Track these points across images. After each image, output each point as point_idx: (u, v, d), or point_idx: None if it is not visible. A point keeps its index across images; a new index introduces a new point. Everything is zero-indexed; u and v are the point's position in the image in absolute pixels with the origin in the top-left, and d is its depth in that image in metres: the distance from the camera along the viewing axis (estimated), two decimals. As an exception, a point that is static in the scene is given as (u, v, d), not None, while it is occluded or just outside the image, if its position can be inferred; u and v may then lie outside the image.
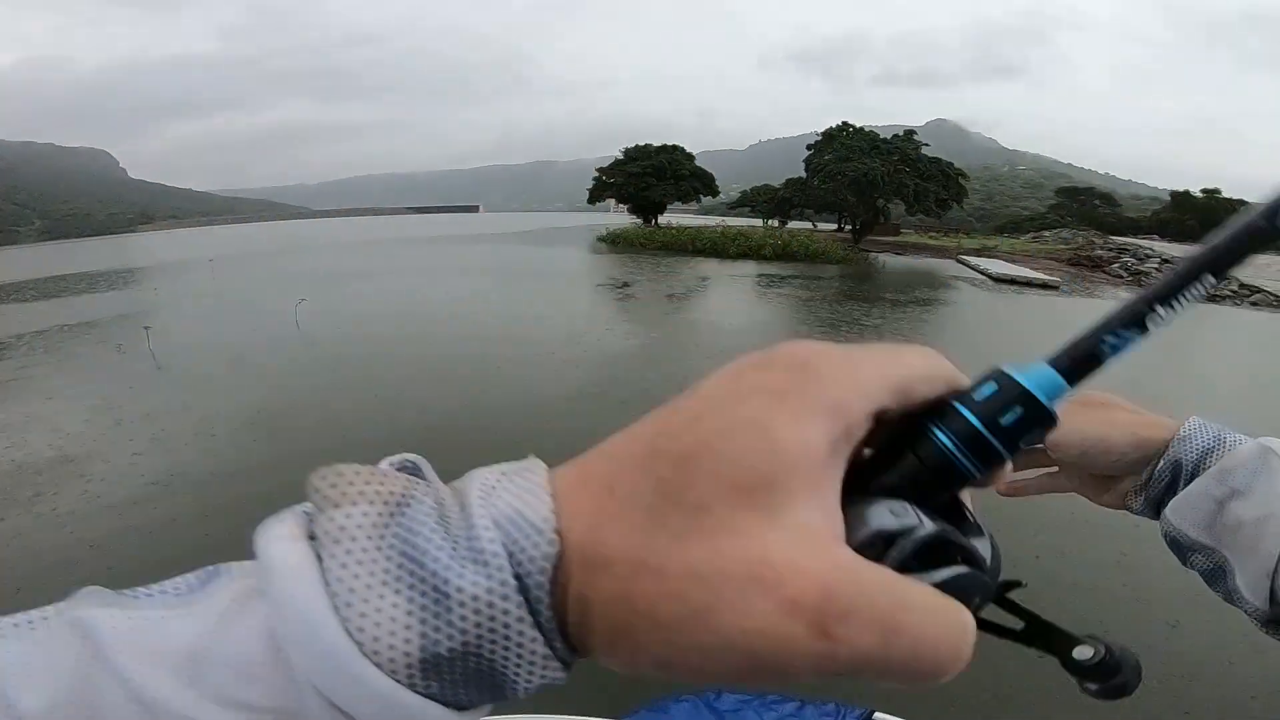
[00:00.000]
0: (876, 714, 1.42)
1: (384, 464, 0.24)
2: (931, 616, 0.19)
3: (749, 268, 21.66)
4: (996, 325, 12.86)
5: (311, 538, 0.20)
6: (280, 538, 0.20)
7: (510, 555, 0.19)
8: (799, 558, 0.18)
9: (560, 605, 0.19)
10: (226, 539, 4.01)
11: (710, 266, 21.73)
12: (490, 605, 0.18)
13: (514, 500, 0.21)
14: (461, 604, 0.18)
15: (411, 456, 0.25)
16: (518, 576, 0.19)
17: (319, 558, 0.19)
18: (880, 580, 0.19)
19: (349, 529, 0.19)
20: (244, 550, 0.20)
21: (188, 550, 3.94)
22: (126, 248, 47.20)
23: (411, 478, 0.22)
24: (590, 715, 1.33)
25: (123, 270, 25.58)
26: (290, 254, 28.38)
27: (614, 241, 31.30)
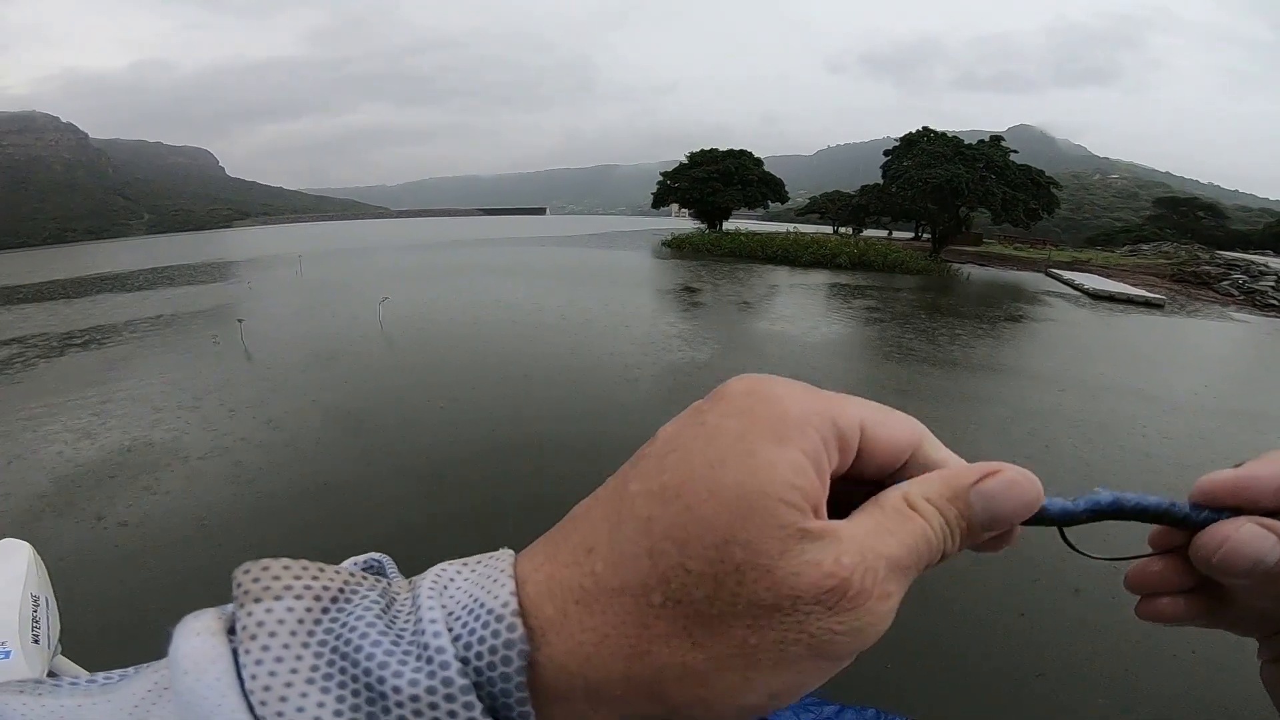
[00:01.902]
0: None
1: (348, 563, 0.22)
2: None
3: (822, 277, 20.95)
4: (1105, 347, 11.84)
5: (232, 633, 0.18)
6: (195, 632, 0.18)
7: (466, 648, 0.18)
8: (854, 578, 0.19)
9: (546, 694, 0.18)
10: (303, 534, 4.07)
11: (781, 275, 21.16)
12: (434, 706, 0.17)
13: (471, 589, 0.19)
14: (400, 704, 0.17)
15: (377, 556, 0.24)
16: (477, 670, 0.18)
17: (236, 654, 0.17)
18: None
19: (268, 624, 0.17)
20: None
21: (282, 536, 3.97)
22: (224, 242, 50.55)
23: (356, 573, 0.20)
24: None
25: (220, 263, 27.29)
26: (373, 252, 29.59)
27: (679, 246, 31.05)
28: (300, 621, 0.18)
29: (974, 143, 28.26)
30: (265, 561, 0.19)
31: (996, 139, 28.56)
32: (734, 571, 0.18)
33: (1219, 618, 0.25)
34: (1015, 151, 27.81)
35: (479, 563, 0.21)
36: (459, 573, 0.21)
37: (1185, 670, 3.07)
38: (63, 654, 0.80)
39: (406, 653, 0.17)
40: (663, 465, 0.20)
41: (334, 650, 0.17)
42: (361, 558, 0.23)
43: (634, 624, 0.18)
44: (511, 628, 0.18)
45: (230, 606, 0.19)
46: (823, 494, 0.20)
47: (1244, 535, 0.21)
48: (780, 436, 0.20)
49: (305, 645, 0.17)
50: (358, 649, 0.17)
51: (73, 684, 0.20)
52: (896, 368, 8.99)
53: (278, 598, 0.18)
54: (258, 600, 0.18)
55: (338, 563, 0.23)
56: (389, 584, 0.20)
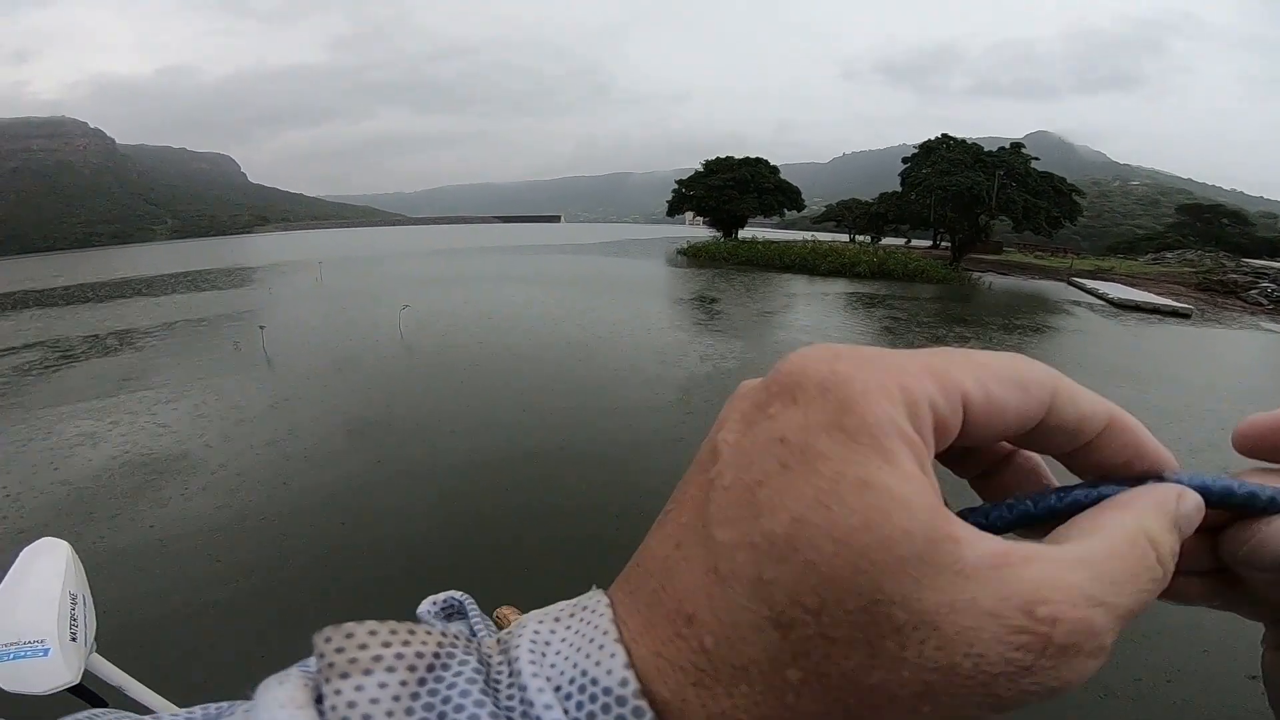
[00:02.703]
0: None
1: (426, 604, 0.21)
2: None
3: (842, 286, 20.76)
4: (1135, 360, 11.57)
5: (320, 702, 0.15)
6: (280, 704, 0.15)
7: None
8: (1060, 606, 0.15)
9: None
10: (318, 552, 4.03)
11: (800, 284, 21.00)
12: None
13: (575, 655, 0.17)
14: None
15: (457, 595, 0.22)
16: None
17: None
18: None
19: (361, 704, 0.15)
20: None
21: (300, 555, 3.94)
22: (245, 248, 51.36)
23: (449, 634, 0.18)
24: None
25: (241, 269, 27.66)
26: (392, 259, 29.85)
27: (695, 255, 30.97)
28: (396, 699, 0.15)
29: (994, 150, 27.95)
30: (349, 627, 0.16)
31: (1017, 146, 28.23)
32: (894, 634, 0.15)
33: (1230, 601, 0.23)
34: (1037, 159, 27.44)
35: (573, 616, 0.18)
36: (553, 630, 0.18)
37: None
38: (98, 652, 0.81)
39: None
40: (754, 505, 0.16)
41: None
42: (441, 597, 0.22)
43: (772, 705, 0.15)
44: (638, 712, 0.15)
45: (312, 663, 0.17)
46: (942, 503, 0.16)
47: (1273, 531, 0.19)
48: (885, 450, 0.16)
49: None
50: None
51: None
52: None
53: (368, 671, 0.16)
54: (345, 676, 0.15)
55: (414, 598, 0.21)
56: (480, 643, 0.18)
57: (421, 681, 0.16)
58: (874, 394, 0.16)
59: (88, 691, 0.74)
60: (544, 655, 0.17)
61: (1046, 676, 0.15)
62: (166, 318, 14.09)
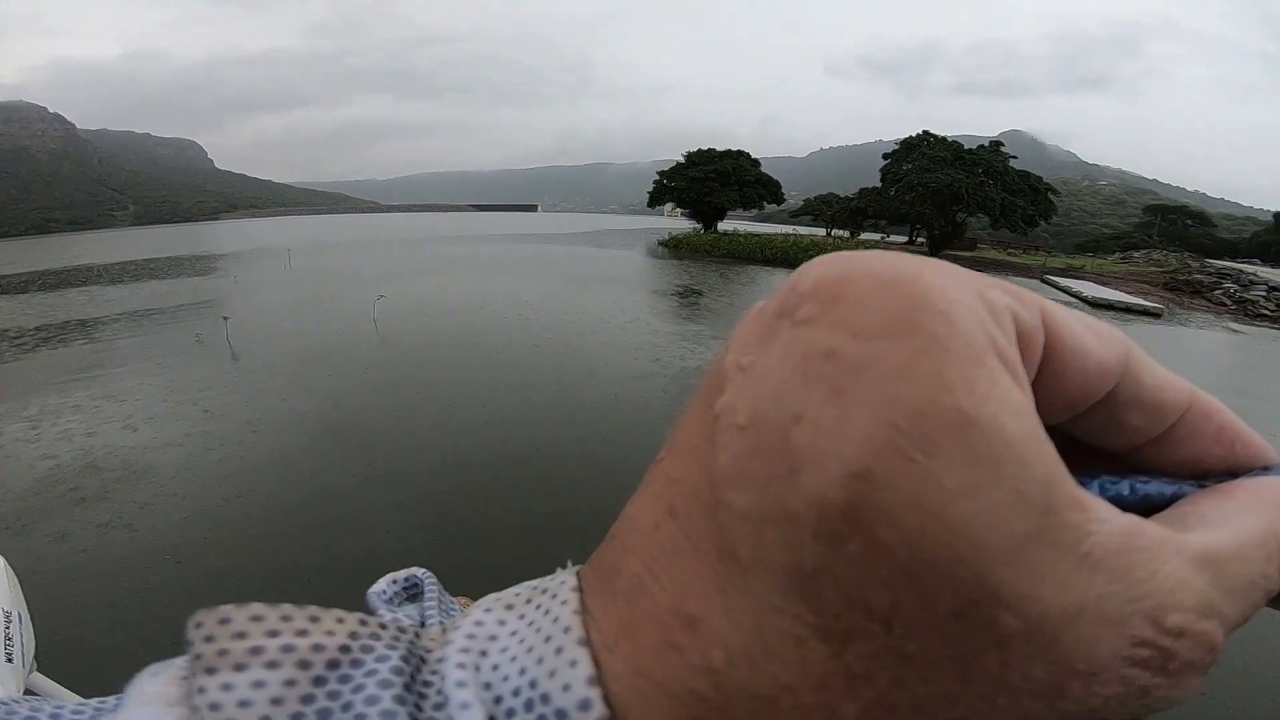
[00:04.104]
0: None
1: (383, 582, 0.17)
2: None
3: (822, 280, 20.71)
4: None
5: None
6: (146, 700, 0.12)
7: None
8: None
9: None
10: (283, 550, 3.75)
11: (782, 277, 20.82)
12: None
13: (525, 658, 0.12)
14: None
15: (419, 573, 0.17)
16: None
17: None
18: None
19: (226, 707, 0.11)
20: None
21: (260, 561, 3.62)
22: (209, 235, 49.73)
23: (367, 622, 0.13)
24: None
25: (206, 256, 26.68)
26: (363, 246, 29.06)
27: (675, 246, 30.79)
28: (276, 702, 0.11)
29: (973, 148, 28.23)
30: (225, 610, 0.12)
31: (996, 144, 28.56)
32: (996, 648, 0.10)
33: None
34: (1015, 157, 27.80)
35: (530, 603, 0.13)
36: (503, 621, 0.13)
37: None
38: (39, 670, 0.75)
39: None
40: (789, 454, 0.11)
41: None
42: (403, 574, 0.17)
43: None
44: None
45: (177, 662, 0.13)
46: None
47: None
48: (987, 369, 0.11)
49: None
50: None
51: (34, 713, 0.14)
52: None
53: (240, 666, 0.12)
54: (211, 671, 0.12)
55: (373, 577, 0.16)
56: (416, 635, 0.14)
57: (318, 681, 0.12)
58: (959, 291, 0.12)
59: None
60: (485, 655, 0.12)
61: (1157, 700, 0.11)
62: (122, 307, 13.41)
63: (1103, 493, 0.14)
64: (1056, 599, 0.10)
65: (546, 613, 0.13)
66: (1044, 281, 25.74)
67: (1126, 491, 0.14)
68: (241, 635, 0.12)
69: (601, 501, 4.71)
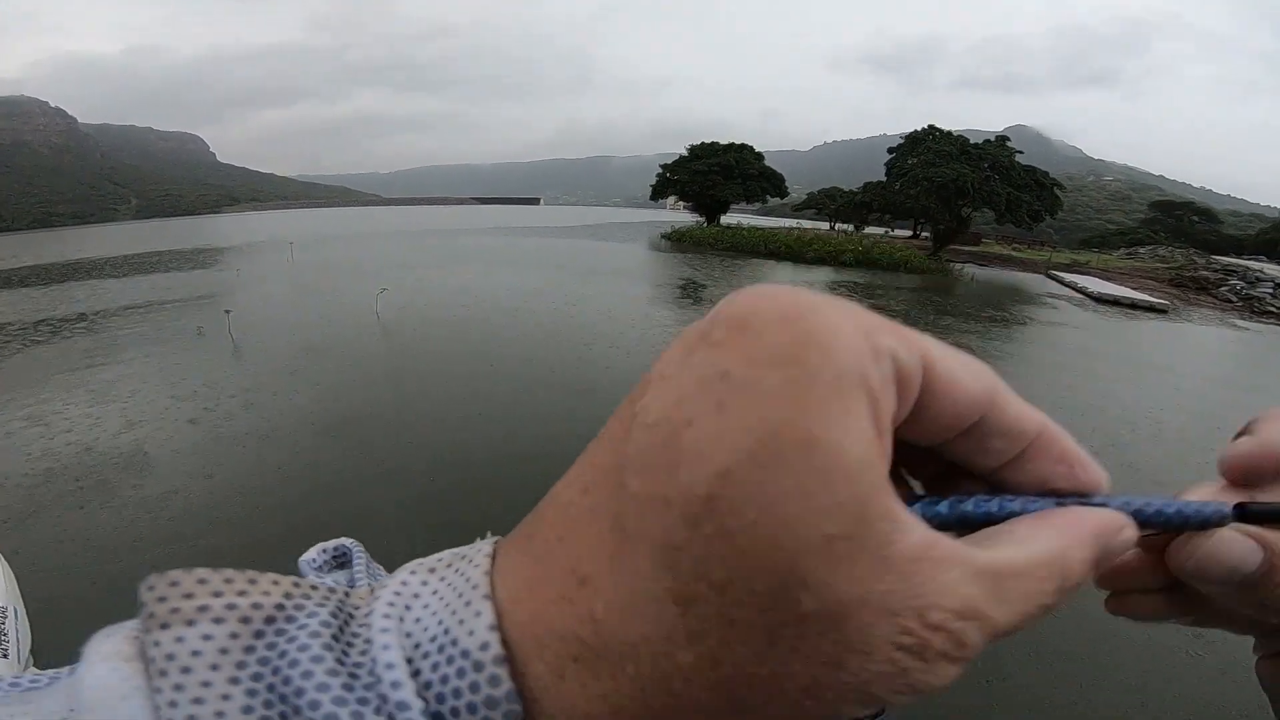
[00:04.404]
0: None
1: (313, 551, 0.20)
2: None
3: (827, 274, 20.63)
4: (1123, 355, 11.56)
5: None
6: (103, 657, 0.14)
7: (438, 699, 0.14)
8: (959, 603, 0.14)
9: None
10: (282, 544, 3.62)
11: (786, 271, 20.84)
12: None
13: (442, 612, 0.15)
14: None
15: (346, 542, 0.20)
16: None
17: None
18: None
19: (180, 656, 0.13)
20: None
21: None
22: (211, 228, 49.66)
23: (302, 583, 0.16)
24: None
25: (208, 249, 26.62)
26: (365, 239, 28.97)
27: (678, 240, 30.66)
28: (223, 652, 0.14)
29: (980, 142, 28.00)
30: (174, 574, 0.15)
31: (1002, 139, 28.32)
32: (795, 623, 0.13)
33: (1204, 616, 0.21)
34: (1021, 152, 27.57)
35: (450, 566, 0.16)
36: (425, 582, 0.16)
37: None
38: (35, 666, 0.62)
39: (362, 701, 0.13)
40: (677, 451, 0.13)
41: (270, 689, 0.14)
42: (331, 544, 0.20)
43: (657, 692, 0.13)
44: (494, 681, 0.13)
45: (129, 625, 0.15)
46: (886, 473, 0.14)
47: (1217, 542, 0.18)
48: (844, 401, 0.13)
49: (233, 681, 0.13)
50: (299, 692, 0.13)
51: None
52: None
53: (190, 622, 0.14)
54: (165, 626, 0.14)
55: (303, 549, 0.19)
56: (345, 595, 0.16)
57: (258, 634, 0.14)
58: (845, 331, 0.14)
59: None
60: (408, 609, 0.15)
61: (916, 681, 0.14)
62: (124, 301, 13.35)
63: (926, 511, 0.17)
64: (849, 589, 0.13)
65: (460, 574, 0.16)
66: (1049, 276, 25.58)
67: (971, 508, 0.17)
68: (189, 595, 0.14)
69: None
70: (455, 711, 0.13)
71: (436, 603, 0.15)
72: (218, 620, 0.14)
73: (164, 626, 0.14)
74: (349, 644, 0.14)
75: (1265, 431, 0.20)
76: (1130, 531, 0.17)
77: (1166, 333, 14.25)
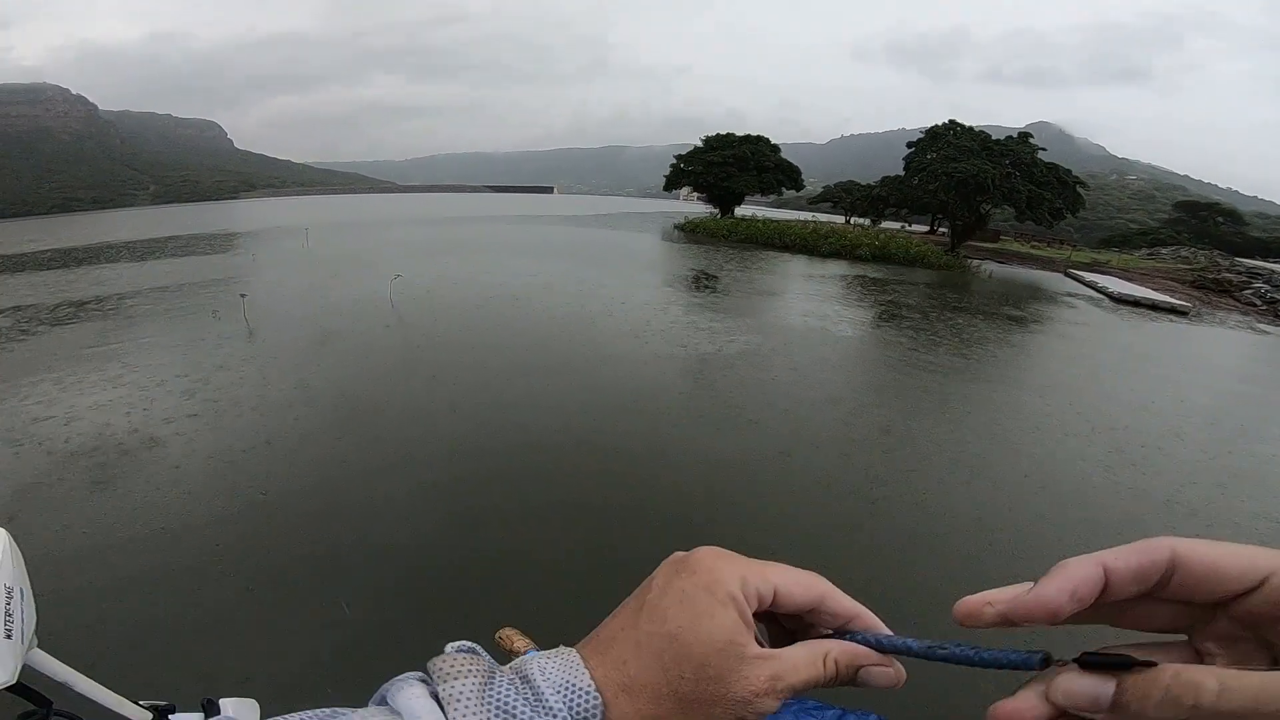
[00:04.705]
0: None
1: (451, 647, 0.34)
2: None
3: (843, 268, 20.40)
4: (1141, 357, 11.33)
5: (434, 698, 0.30)
6: (416, 695, 0.30)
7: (572, 710, 0.30)
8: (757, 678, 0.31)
9: None
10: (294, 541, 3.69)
11: (800, 264, 20.61)
12: None
13: (564, 674, 0.32)
14: None
15: (469, 643, 0.35)
16: None
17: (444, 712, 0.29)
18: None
19: (459, 694, 0.30)
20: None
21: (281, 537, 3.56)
22: (228, 213, 49.97)
23: (494, 663, 0.33)
24: None
25: (225, 234, 26.79)
26: (380, 226, 29.03)
27: (692, 230, 30.44)
28: (475, 692, 0.30)
29: (1002, 138, 27.47)
30: (448, 655, 0.32)
31: (1025, 135, 27.77)
32: (710, 680, 0.31)
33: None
34: (1044, 149, 27.02)
35: (559, 655, 0.33)
36: (549, 661, 0.32)
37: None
38: (39, 647, 0.76)
39: (542, 711, 0.30)
40: (664, 617, 0.32)
41: (498, 708, 0.30)
42: (464, 643, 0.35)
43: (654, 705, 0.31)
44: (595, 702, 0.31)
45: (412, 676, 0.32)
46: (751, 633, 0.32)
47: (1066, 684, 0.27)
48: (725, 602, 0.32)
49: (483, 705, 0.29)
50: (512, 709, 0.30)
51: None
52: (931, 376, 8.52)
53: (459, 677, 0.31)
54: (448, 680, 0.30)
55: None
56: (504, 670, 0.33)
57: (486, 685, 0.31)
58: (726, 577, 0.33)
59: (27, 689, 0.71)
60: (545, 674, 0.32)
61: (750, 710, 0.31)
62: (142, 284, 13.46)
63: (854, 637, 0.35)
64: (731, 672, 0.31)
65: (568, 659, 0.33)
66: (1068, 275, 25.17)
67: (859, 638, 0.35)
68: (454, 665, 0.31)
69: (613, 496, 4.60)
70: (579, 714, 0.30)
71: (558, 671, 0.32)
72: (471, 676, 0.31)
73: (448, 680, 0.30)
74: (525, 687, 0.31)
75: (1041, 585, 0.28)
76: (844, 647, 0.34)
77: (1187, 336, 13.96)
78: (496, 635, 2.10)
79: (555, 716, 0.30)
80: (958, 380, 8.03)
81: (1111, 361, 10.10)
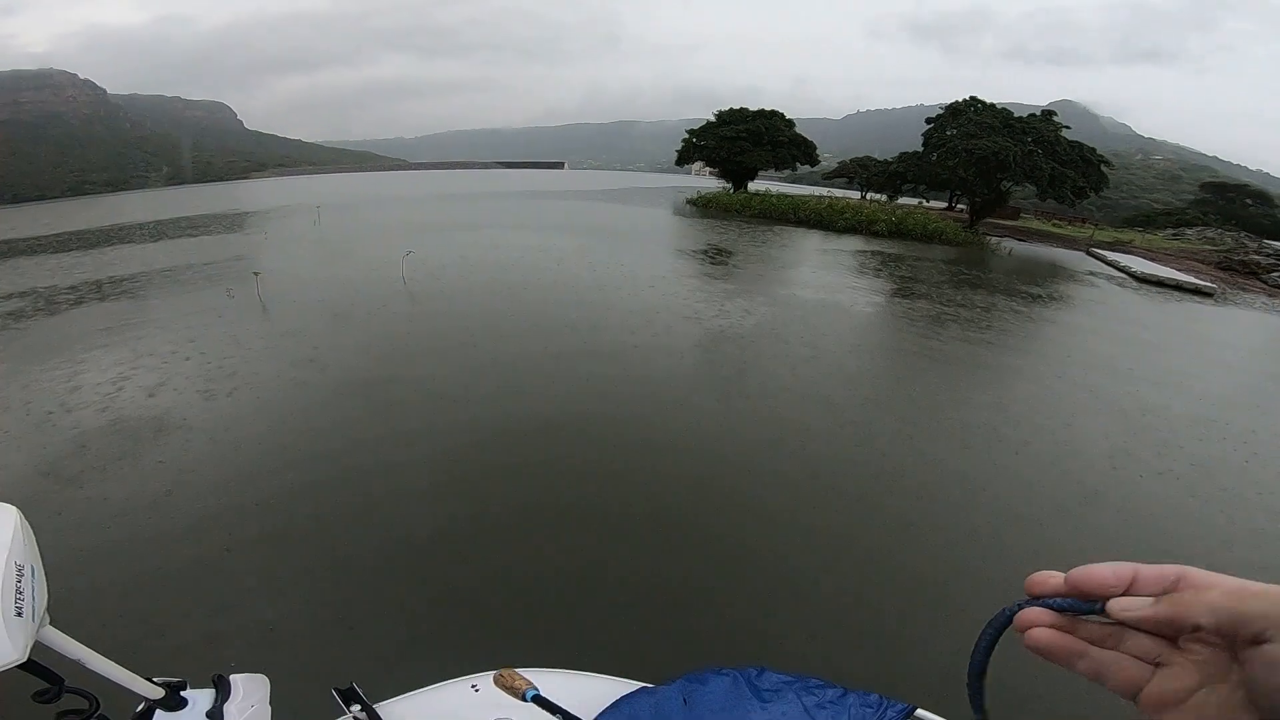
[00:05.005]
0: (919, 710, 1.33)
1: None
2: None
3: (859, 243, 20.06)
4: (1165, 338, 11.08)
5: None
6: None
7: None
8: None
9: None
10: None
11: (816, 239, 20.29)
12: None
13: None
14: None
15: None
16: None
17: None
18: None
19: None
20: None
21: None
22: (240, 193, 50.10)
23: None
24: (633, 679, 1.38)
25: (237, 213, 26.83)
26: (391, 203, 28.92)
27: (704, 205, 30.10)
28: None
29: (1024, 116, 26.75)
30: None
31: (1049, 114, 27.02)
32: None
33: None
34: (1068, 127, 26.29)
35: None
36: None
37: None
38: (52, 624, 0.77)
39: None
40: None
41: None
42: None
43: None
44: None
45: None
46: None
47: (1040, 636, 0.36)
48: None
49: None
50: None
51: None
52: (950, 357, 8.38)
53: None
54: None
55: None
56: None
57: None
58: None
59: (39, 667, 0.73)
60: None
61: None
62: (156, 264, 13.51)
63: None
64: None
65: None
66: (1090, 254, 24.66)
67: None
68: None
69: (623, 491, 4.55)
70: None
71: None
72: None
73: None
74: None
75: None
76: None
77: (1211, 318, 13.63)
78: (494, 678, 2.21)
79: None
80: (998, 355, 7.85)
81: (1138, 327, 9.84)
